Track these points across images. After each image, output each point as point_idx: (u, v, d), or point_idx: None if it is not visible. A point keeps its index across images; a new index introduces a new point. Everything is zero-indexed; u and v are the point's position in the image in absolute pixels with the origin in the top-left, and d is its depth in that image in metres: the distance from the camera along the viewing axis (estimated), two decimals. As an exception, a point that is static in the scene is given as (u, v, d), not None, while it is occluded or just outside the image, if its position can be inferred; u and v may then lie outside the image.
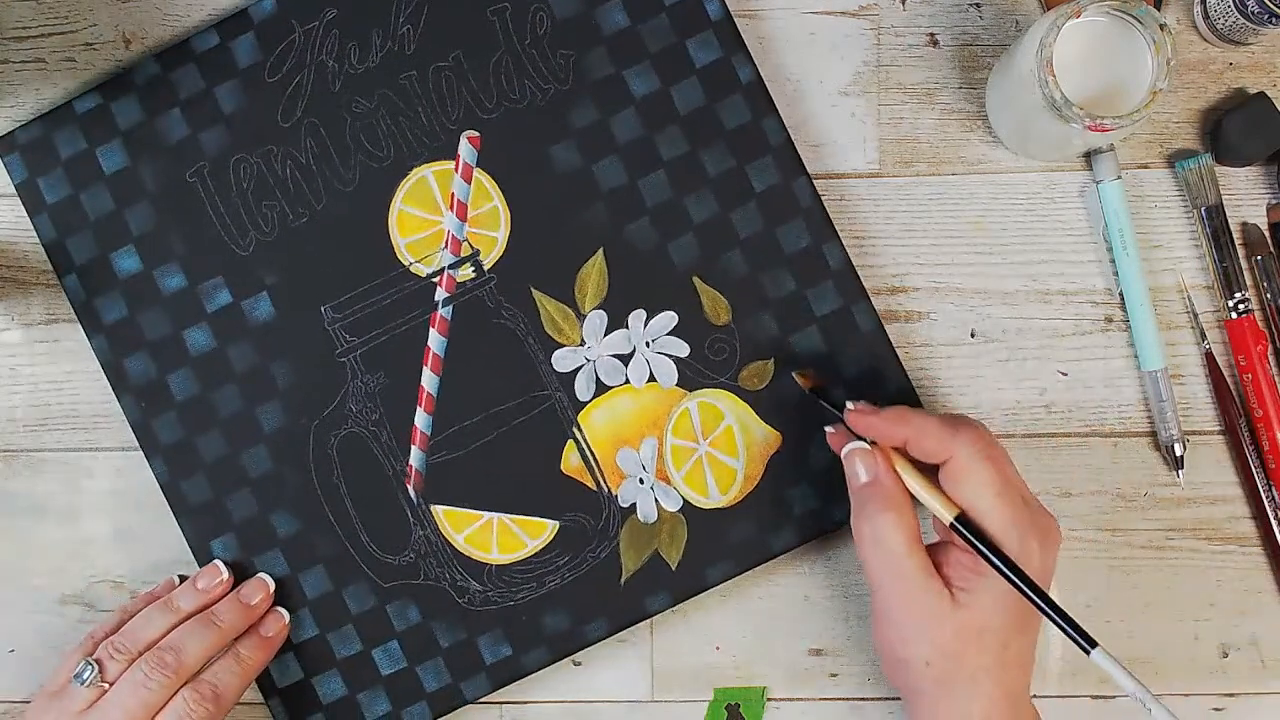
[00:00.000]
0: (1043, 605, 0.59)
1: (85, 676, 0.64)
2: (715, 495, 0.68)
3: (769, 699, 0.70)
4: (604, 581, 0.68)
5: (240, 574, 0.69)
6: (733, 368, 0.68)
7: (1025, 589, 0.59)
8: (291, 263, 0.69)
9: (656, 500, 0.68)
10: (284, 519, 0.69)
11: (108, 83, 0.69)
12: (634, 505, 0.68)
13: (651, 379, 0.69)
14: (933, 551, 0.61)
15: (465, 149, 0.69)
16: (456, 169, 0.69)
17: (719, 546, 0.68)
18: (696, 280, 0.68)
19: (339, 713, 0.69)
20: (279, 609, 0.69)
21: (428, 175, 0.69)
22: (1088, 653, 0.59)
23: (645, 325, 0.69)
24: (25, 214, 0.70)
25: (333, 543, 0.69)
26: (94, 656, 0.65)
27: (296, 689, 0.69)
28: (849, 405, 0.63)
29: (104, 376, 0.70)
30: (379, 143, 0.69)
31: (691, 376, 0.69)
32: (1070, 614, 0.59)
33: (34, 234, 0.70)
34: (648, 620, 0.70)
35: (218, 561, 0.69)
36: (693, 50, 0.68)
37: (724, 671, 0.70)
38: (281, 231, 0.69)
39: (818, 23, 0.70)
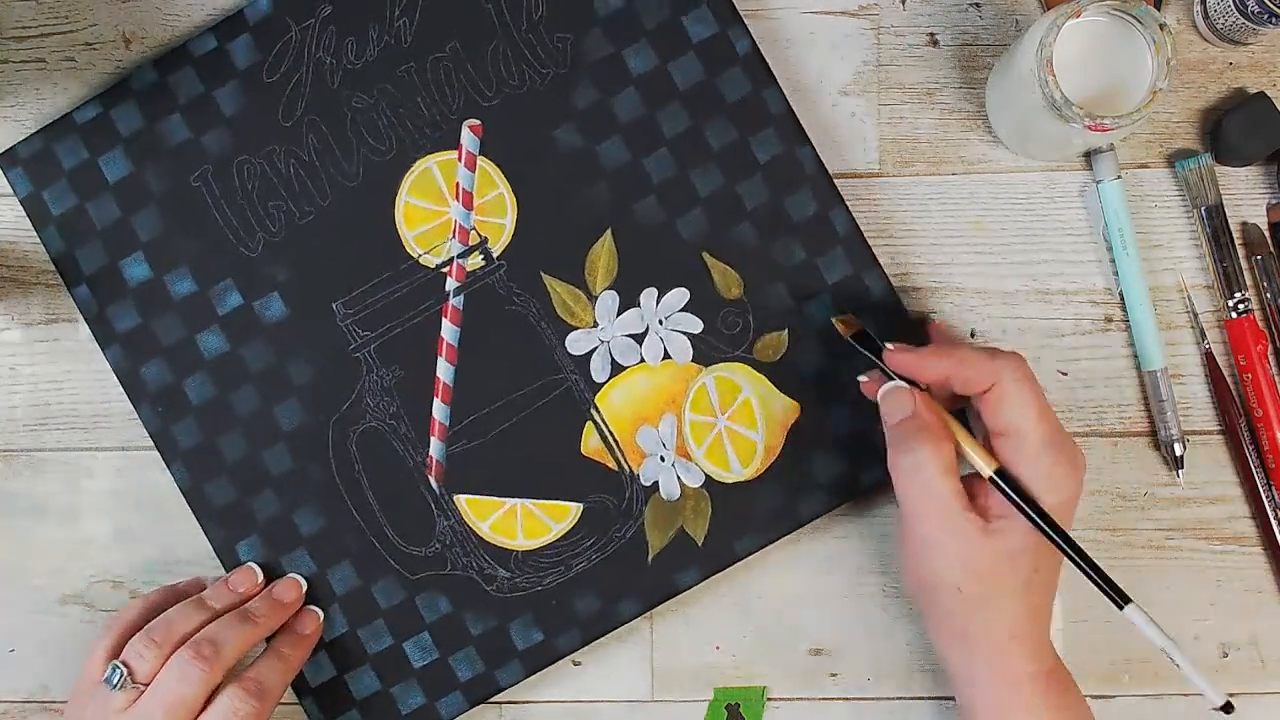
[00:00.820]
0: (1072, 554, 0.60)
1: (115, 680, 0.63)
2: (737, 469, 0.69)
3: (769, 699, 0.70)
4: (631, 561, 0.68)
5: (268, 574, 0.69)
6: (747, 340, 0.69)
7: (1056, 538, 0.60)
8: (300, 261, 0.69)
9: (679, 477, 0.69)
10: (308, 517, 0.69)
11: (107, 91, 0.69)
12: (656, 483, 0.69)
13: (666, 356, 0.69)
14: (968, 482, 0.62)
15: (467, 137, 0.69)
16: (460, 158, 0.69)
17: (744, 519, 0.68)
18: (706, 255, 0.68)
19: (373, 708, 0.69)
20: (312, 607, 0.69)
21: (431, 166, 0.69)
22: (1120, 608, 0.60)
23: (657, 303, 0.69)
24: (25, 214, 0.70)
25: (358, 538, 0.69)
26: (121, 658, 0.64)
27: (330, 687, 0.69)
28: (887, 346, 0.64)
29: (103, 376, 0.70)
30: (381, 136, 0.69)
31: (706, 351, 0.69)
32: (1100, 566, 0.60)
33: (34, 233, 0.70)
34: (648, 620, 0.70)
35: (251, 565, 0.69)
36: (689, 25, 0.68)
37: (724, 671, 0.70)
38: (288, 230, 0.69)
39: (818, 23, 0.70)
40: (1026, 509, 0.60)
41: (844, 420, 0.68)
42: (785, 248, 0.68)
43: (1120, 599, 0.60)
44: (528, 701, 0.71)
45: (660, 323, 0.69)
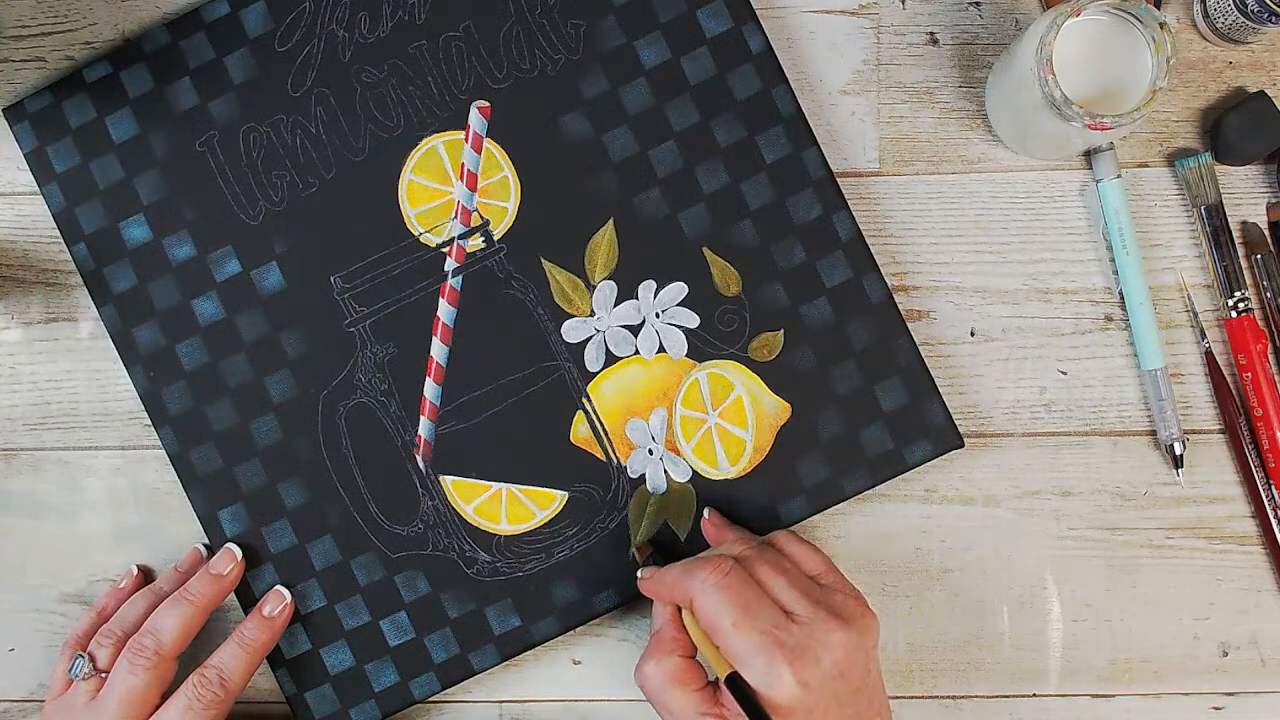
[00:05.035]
0: None
1: (78, 670, 0.65)
2: (725, 466, 0.68)
3: None
4: (613, 552, 0.68)
5: (247, 545, 0.69)
6: (742, 339, 0.68)
7: None
8: (301, 232, 0.69)
9: (666, 471, 0.68)
10: (292, 489, 0.69)
11: (117, 51, 0.69)
12: (643, 476, 0.68)
13: (661, 350, 0.69)
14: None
15: (475, 119, 0.69)
16: (466, 139, 0.69)
17: (728, 517, 0.68)
18: (707, 251, 0.68)
19: (346, 684, 0.69)
20: (280, 589, 0.69)
21: (438, 145, 0.69)
22: None
23: (655, 296, 0.68)
24: (25, 213, 0.70)
25: (341, 513, 0.69)
26: (86, 650, 0.66)
27: (304, 660, 0.69)
28: (640, 573, 0.66)
29: (103, 375, 0.70)
30: (389, 112, 0.69)
31: (701, 347, 0.68)
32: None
33: (34, 233, 0.70)
34: (649, 618, 0.70)
35: (198, 545, 0.70)
36: (703, 20, 0.68)
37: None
38: (291, 201, 0.69)
39: (818, 22, 0.70)
40: (747, 712, 0.58)
41: (833, 425, 0.68)
42: (786, 248, 0.68)
43: None
44: (528, 700, 0.70)
45: (657, 316, 0.69)
